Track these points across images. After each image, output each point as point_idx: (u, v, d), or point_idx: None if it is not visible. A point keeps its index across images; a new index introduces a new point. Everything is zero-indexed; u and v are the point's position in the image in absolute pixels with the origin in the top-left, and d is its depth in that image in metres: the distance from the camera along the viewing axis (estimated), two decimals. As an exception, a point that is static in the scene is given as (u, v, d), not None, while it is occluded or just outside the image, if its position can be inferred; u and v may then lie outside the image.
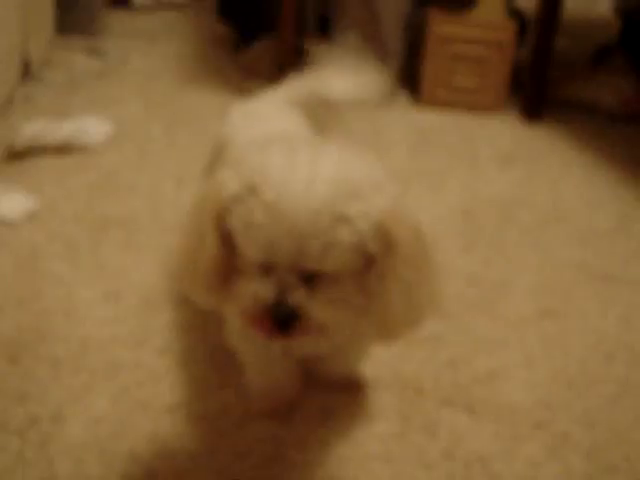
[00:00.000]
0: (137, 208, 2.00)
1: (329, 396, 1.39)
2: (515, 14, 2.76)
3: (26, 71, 2.82)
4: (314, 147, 1.03)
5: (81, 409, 1.34)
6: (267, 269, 0.99)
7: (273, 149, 1.03)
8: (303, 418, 1.34)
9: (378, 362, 1.47)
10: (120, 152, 2.31)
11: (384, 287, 1.00)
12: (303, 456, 1.26)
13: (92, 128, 2.37)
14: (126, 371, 1.43)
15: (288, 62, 2.66)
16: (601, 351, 1.55)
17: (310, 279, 0.98)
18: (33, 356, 1.46)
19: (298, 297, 0.97)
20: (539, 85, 2.66)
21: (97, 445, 1.27)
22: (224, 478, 1.21)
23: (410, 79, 2.87)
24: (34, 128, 2.26)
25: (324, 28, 2.68)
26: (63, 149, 2.28)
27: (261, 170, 0.98)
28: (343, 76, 1.57)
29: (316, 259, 0.95)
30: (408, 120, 2.65)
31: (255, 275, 1.00)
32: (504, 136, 2.55)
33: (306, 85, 1.59)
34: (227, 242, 1.03)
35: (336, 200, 0.94)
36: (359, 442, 1.30)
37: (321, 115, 1.57)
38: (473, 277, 1.76)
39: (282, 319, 0.98)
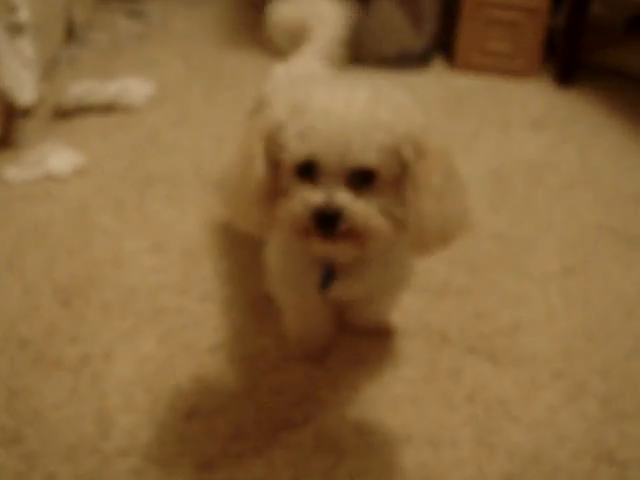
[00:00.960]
0: (179, 165, 2.08)
1: (360, 342, 1.48)
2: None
3: (70, 33, 2.90)
4: (352, 79, 1.15)
5: (129, 349, 1.45)
6: (312, 179, 1.08)
7: (313, 81, 1.17)
8: (336, 362, 1.43)
9: (407, 312, 1.56)
10: (162, 112, 2.40)
11: (418, 195, 1.09)
12: (335, 396, 1.36)
13: (135, 89, 2.46)
14: (170, 316, 1.54)
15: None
16: (620, 308, 1.62)
17: (354, 186, 1.07)
18: (84, 301, 1.57)
19: (344, 198, 1.06)
20: (573, 50, 2.68)
21: (144, 381, 1.37)
22: (261, 414, 1.31)
23: (446, 43, 2.90)
24: (80, 88, 2.36)
25: (361, -8, 2.72)
26: (108, 109, 2.37)
27: (307, 93, 1.10)
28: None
29: (358, 154, 1.05)
30: (443, 83, 2.70)
31: (298, 189, 1.09)
32: (536, 100, 2.59)
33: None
34: (273, 165, 1.12)
35: (375, 110, 1.06)
36: (387, 384, 1.39)
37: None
38: (500, 235, 1.83)
39: (329, 218, 1.06)
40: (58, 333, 1.48)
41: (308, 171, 1.08)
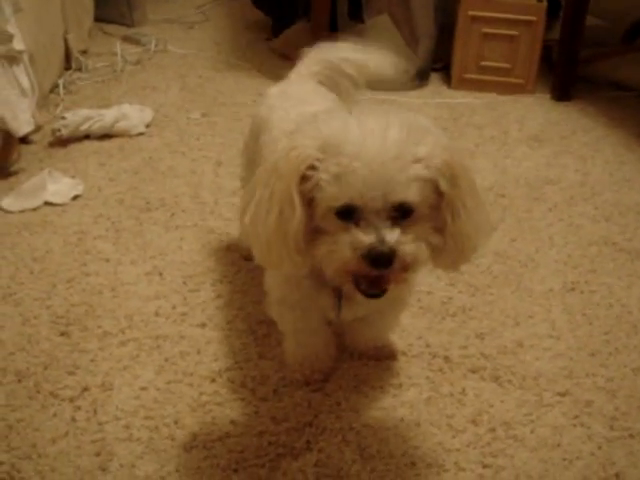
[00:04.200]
0: (177, 190, 2.08)
1: (362, 365, 1.47)
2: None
3: (68, 60, 2.92)
4: (372, 110, 1.12)
5: (128, 378, 1.43)
6: (353, 219, 1.05)
7: (338, 114, 1.12)
8: (336, 386, 1.42)
9: (408, 333, 1.55)
10: (160, 137, 2.40)
11: (456, 219, 1.10)
12: (336, 421, 1.34)
13: (133, 115, 2.46)
14: (170, 343, 1.52)
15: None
16: (625, 323, 1.60)
17: (397, 221, 1.06)
18: (82, 330, 1.55)
19: (394, 236, 1.05)
20: (569, 65, 2.68)
21: (144, 411, 1.36)
22: (262, 441, 1.29)
23: (442, 60, 2.90)
24: (77, 116, 2.36)
25: (356, 12, 2.72)
26: (106, 135, 2.37)
27: (335, 129, 1.07)
28: (360, 50, 1.65)
29: (400, 191, 1.04)
30: (440, 101, 2.69)
31: (339, 229, 1.06)
32: (534, 116, 2.58)
33: (324, 57, 1.66)
34: (306, 205, 1.09)
35: (409, 144, 1.05)
36: (389, 408, 1.37)
37: (343, 91, 1.65)
38: (500, 253, 1.81)
39: (384, 258, 1.04)
40: (56, 364, 1.47)
41: (349, 213, 1.06)
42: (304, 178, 1.08)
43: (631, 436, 1.33)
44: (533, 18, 2.65)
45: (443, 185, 1.08)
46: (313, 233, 1.10)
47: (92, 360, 1.48)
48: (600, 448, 1.30)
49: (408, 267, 1.07)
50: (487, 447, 1.30)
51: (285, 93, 1.59)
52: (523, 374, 1.46)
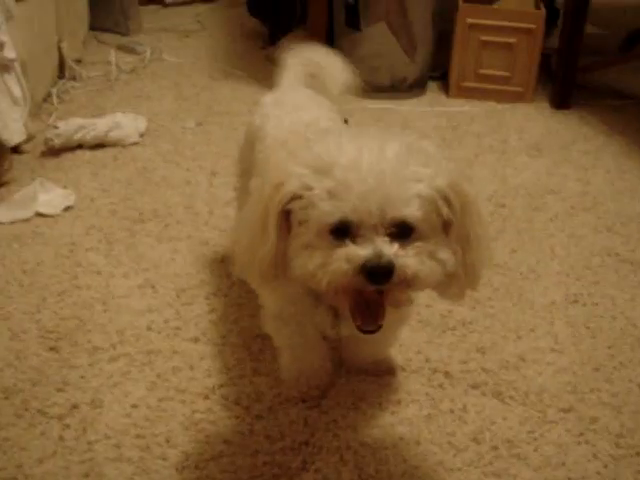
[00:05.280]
0: (171, 201, 2.04)
1: (360, 381, 1.43)
2: (547, 3, 2.75)
3: (62, 69, 2.88)
4: (369, 131, 1.09)
5: (119, 395, 1.39)
6: (349, 237, 1.01)
7: (332, 136, 1.09)
8: (334, 403, 1.38)
9: (407, 348, 1.50)
10: (154, 146, 2.36)
11: (466, 248, 1.07)
12: (333, 440, 1.30)
13: (126, 124, 2.42)
14: (162, 358, 1.48)
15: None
16: (630, 336, 1.56)
17: (396, 238, 1.01)
18: (72, 345, 1.51)
19: (393, 249, 1.00)
20: (568, 73, 2.65)
21: (134, 430, 1.32)
22: (256, 461, 1.25)
23: (440, 69, 2.87)
24: (70, 125, 2.32)
25: (353, 20, 2.69)
26: (99, 145, 2.33)
27: (330, 149, 1.04)
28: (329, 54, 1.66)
29: (401, 207, 0.99)
30: (438, 109, 2.66)
31: (330, 245, 1.02)
32: (533, 125, 2.55)
33: (304, 61, 1.66)
34: (285, 233, 1.06)
35: (409, 162, 1.02)
36: (388, 426, 1.33)
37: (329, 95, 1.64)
38: (501, 264, 1.78)
39: (381, 272, 0.99)
40: (45, 380, 1.42)
41: (344, 231, 1.01)
42: (295, 199, 1.04)
43: (638, 454, 1.30)
44: (532, 26, 2.62)
45: (446, 209, 1.04)
46: (300, 248, 1.05)
47: (82, 376, 1.44)
48: (606, 467, 1.26)
49: (409, 282, 1.02)
50: (489, 466, 1.26)
51: (279, 101, 1.56)
52: (525, 390, 1.42)
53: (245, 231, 1.12)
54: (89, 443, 1.29)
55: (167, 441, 1.29)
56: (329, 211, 1.01)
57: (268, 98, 1.61)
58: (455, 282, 1.09)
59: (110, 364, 1.47)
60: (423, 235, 1.03)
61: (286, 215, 1.06)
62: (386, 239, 1.01)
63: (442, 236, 1.06)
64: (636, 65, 2.76)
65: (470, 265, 1.08)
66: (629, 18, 3.26)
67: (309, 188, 1.03)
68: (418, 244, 1.03)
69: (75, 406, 1.37)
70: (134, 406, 1.37)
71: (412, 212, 1.00)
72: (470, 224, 1.07)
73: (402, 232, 1.02)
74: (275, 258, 1.07)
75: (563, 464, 1.27)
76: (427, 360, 1.48)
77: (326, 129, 1.40)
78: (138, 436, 1.30)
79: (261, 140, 1.46)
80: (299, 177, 1.04)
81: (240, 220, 1.14)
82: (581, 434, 1.33)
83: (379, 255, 0.99)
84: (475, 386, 1.42)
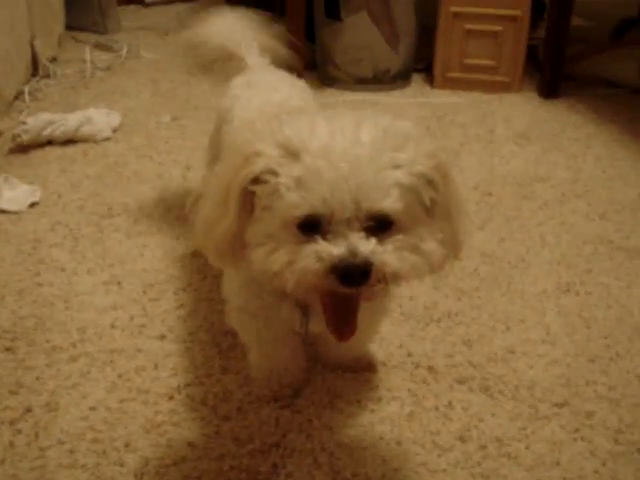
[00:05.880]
0: (142, 196, 1.94)
1: (336, 378, 1.32)
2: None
3: (35, 67, 2.79)
4: (343, 111, 0.98)
5: (76, 397, 1.28)
6: (319, 232, 0.90)
7: (303, 115, 0.99)
8: (309, 402, 1.27)
9: (388, 342, 1.41)
10: (128, 142, 2.27)
11: (451, 219, 0.99)
12: (307, 442, 1.19)
13: (98, 119, 2.32)
14: (125, 357, 1.37)
15: (298, 47, 2.59)
16: (625, 325, 1.47)
17: (372, 233, 0.91)
18: (29, 345, 1.41)
19: (369, 246, 0.89)
20: (556, 62, 2.57)
21: (91, 434, 1.21)
22: (222, 465, 1.14)
23: (424, 61, 2.79)
24: (39, 120, 2.22)
25: (333, 10, 2.60)
26: (70, 141, 2.24)
27: (299, 129, 0.93)
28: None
29: (378, 198, 0.89)
30: (423, 101, 2.57)
31: (297, 240, 0.91)
32: (521, 114, 2.47)
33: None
34: (247, 213, 0.96)
35: (386, 148, 0.91)
36: (367, 425, 1.23)
37: None
38: (488, 254, 1.68)
39: (356, 272, 0.88)
40: (-2, 382, 1.32)
41: (313, 226, 0.90)
42: (258, 182, 0.93)
43: (638, 451, 1.19)
44: (517, 13, 2.53)
45: (431, 192, 0.94)
46: (262, 237, 0.94)
47: (38, 378, 1.33)
48: (604, 465, 1.16)
49: (388, 282, 0.91)
50: (477, 467, 1.16)
51: (250, 82, 1.48)
52: (516, 384, 1.32)
53: (207, 201, 1.00)
54: (41, 449, 1.18)
55: (126, 445, 1.18)
56: (296, 203, 0.89)
57: (238, 80, 1.53)
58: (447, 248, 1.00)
59: (69, 364, 1.36)
60: (404, 227, 0.92)
61: (250, 195, 0.96)
62: (361, 234, 0.89)
63: (426, 223, 0.95)
64: (624, 53, 2.68)
65: (453, 233, 1.00)
66: (616, 10, 3.20)
67: (275, 173, 0.91)
68: (398, 237, 0.91)
69: (28, 409, 1.26)
70: (92, 408, 1.26)
71: (391, 204, 0.89)
72: (450, 194, 0.98)
73: (380, 226, 0.90)
74: (233, 237, 0.96)
75: (557, 463, 1.17)
76: (410, 354, 1.38)
77: (299, 108, 1.31)
78: (95, 440, 1.20)
79: (229, 122, 1.38)
80: (266, 158, 0.93)
81: (205, 190, 1.02)
82: (576, 430, 1.23)
83: (353, 253, 0.88)
84: (461, 381, 1.32)
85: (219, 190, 0.98)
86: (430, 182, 0.95)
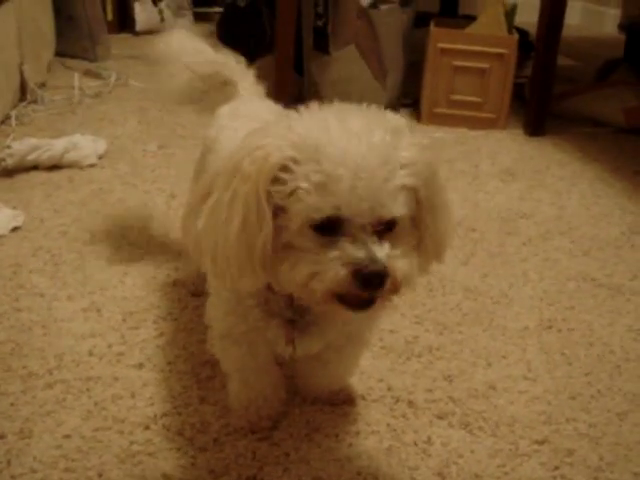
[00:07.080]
0: (125, 223, 1.93)
1: (315, 410, 1.31)
2: (520, 34, 2.72)
3: (23, 93, 2.79)
4: (350, 109, 0.98)
5: (51, 425, 1.26)
6: (337, 234, 0.91)
7: (313, 112, 0.98)
8: (286, 434, 1.25)
9: (368, 375, 1.39)
10: (113, 169, 2.26)
11: (435, 217, 0.99)
12: (284, 475, 1.17)
13: (84, 145, 2.32)
14: (102, 385, 1.35)
15: (286, 79, 2.61)
16: (607, 363, 1.46)
17: (381, 235, 0.92)
18: (5, 370, 1.38)
19: (385, 251, 0.91)
20: (542, 100, 2.60)
21: (64, 463, 1.18)
22: (198, 498, 1.13)
23: (411, 96, 2.81)
24: (25, 145, 2.21)
25: (321, 44, 2.63)
26: (56, 166, 2.23)
27: (317, 128, 0.93)
28: None
29: (391, 205, 0.91)
30: (409, 135, 2.58)
31: (318, 246, 0.91)
32: (507, 150, 2.48)
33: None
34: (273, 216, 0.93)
35: (392, 149, 0.92)
36: (345, 460, 1.21)
37: None
38: (471, 289, 1.68)
39: (377, 278, 0.90)
40: (-29, 410, 1.29)
41: (331, 228, 0.91)
42: (274, 181, 0.92)
43: (618, 490, 1.19)
44: (504, 51, 2.57)
45: (424, 191, 0.96)
46: (281, 249, 0.94)
47: (12, 404, 1.31)
48: (583, 504, 1.15)
49: (399, 287, 0.93)
50: (456, 504, 1.14)
51: (236, 112, 1.48)
52: (496, 420, 1.31)
53: (219, 217, 0.94)
54: (12, 477, 1.16)
55: (99, 475, 1.16)
56: (317, 205, 0.90)
57: (225, 109, 1.53)
58: (423, 255, 1.00)
59: (44, 391, 1.34)
60: (405, 227, 0.96)
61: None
62: (374, 238, 0.91)
63: (414, 221, 0.98)
64: (609, 93, 2.72)
65: (438, 234, 1.00)
66: (602, 50, 3.25)
67: (291, 172, 0.91)
68: (401, 241, 0.94)
69: (2, 436, 1.23)
70: (66, 436, 1.24)
71: (401, 209, 0.92)
72: (437, 191, 0.99)
73: (387, 228, 0.93)
74: (266, 245, 0.93)
75: (536, 501, 1.15)
76: (389, 389, 1.37)
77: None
78: (67, 469, 1.17)
79: (215, 152, 1.37)
80: (282, 155, 0.91)
81: (199, 207, 0.98)
82: (556, 468, 1.21)
83: (373, 260, 0.90)
84: (441, 416, 1.31)
85: (237, 203, 0.93)
86: (426, 180, 0.96)
